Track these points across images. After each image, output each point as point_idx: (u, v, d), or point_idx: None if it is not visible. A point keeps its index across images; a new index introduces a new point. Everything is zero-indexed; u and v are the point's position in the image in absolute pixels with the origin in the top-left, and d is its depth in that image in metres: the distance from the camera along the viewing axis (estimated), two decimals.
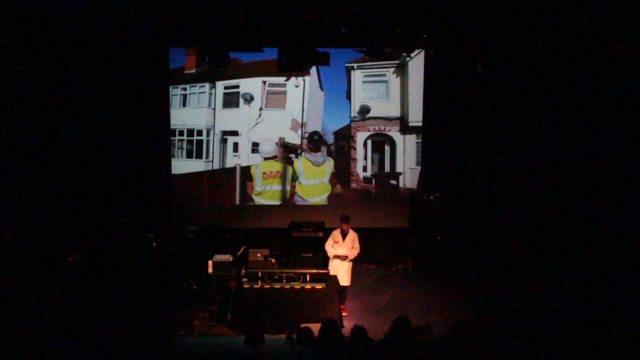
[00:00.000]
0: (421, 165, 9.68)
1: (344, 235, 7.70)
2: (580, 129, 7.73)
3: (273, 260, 7.60)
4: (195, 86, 9.62)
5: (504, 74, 8.55)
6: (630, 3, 6.63)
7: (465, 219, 9.29)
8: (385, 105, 9.68)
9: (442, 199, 9.28)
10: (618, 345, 5.72)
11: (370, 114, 9.65)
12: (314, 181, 9.71)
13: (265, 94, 9.62)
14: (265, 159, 9.65)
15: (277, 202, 9.70)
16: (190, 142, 9.71)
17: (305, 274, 7.18)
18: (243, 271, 7.38)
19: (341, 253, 7.64)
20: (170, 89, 9.49)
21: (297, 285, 7.09)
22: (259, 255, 7.41)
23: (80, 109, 8.65)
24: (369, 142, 9.76)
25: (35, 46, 7.60)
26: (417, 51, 9.10)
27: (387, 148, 9.77)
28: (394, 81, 9.64)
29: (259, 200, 9.70)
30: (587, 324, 6.41)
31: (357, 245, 7.69)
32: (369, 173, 9.84)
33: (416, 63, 9.43)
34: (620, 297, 6.74)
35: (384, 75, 9.65)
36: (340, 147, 9.75)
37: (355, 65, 9.50)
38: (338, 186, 9.76)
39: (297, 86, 9.55)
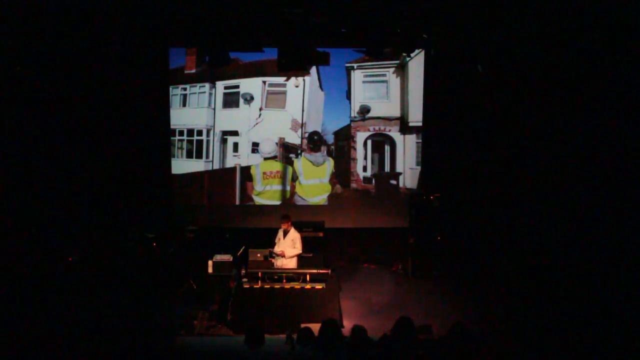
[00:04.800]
0: (421, 165, 9.68)
1: (284, 233, 7.83)
2: (580, 129, 7.72)
3: (273, 260, 7.62)
4: (195, 86, 9.62)
5: (504, 74, 8.55)
6: (630, 3, 6.63)
7: (465, 219, 9.29)
8: (385, 105, 9.68)
9: (442, 199, 9.27)
10: (618, 345, 5.72)
11: (370, 114, 9.64)
12: (314, 181, 9.71)
13: (265, 94, 9.62)
14: (265, 159, 9.65)
15: (277, 202, 9.70)
16: (190, 142, 9.71)
17: (305, 274, 7.18)
18: (243, 271, 7.38)
19: (278, 250, 7.75)
20: (170, 89, 9.49)
21: (297, 285, 7.08)
22: (259, 255, 7.42)
23: (80, 109, 8.64)
24: (369, 142, 9.76)
25: (34, 46, 7.60)
26: (417, 51, 9.10)
27: (387, 148, 9.76)
28: (394, 81, 9.63)
29: (259, 200, 9.70)
30: (586, 324, 6.41)
31: (298, 246, 7.78)
32: (369, 173, 9.84)
33: (416, 63, 9.43)
34: (620, 297, 6.74)
35: (384, 75, 9.65)
36: (340, 147, 9.74)
37: (355, 65, 9.50)
38: (338, 186, 9.76)
39: (297, 86, 9.55)
